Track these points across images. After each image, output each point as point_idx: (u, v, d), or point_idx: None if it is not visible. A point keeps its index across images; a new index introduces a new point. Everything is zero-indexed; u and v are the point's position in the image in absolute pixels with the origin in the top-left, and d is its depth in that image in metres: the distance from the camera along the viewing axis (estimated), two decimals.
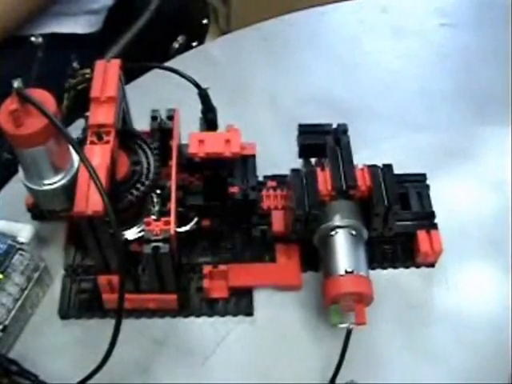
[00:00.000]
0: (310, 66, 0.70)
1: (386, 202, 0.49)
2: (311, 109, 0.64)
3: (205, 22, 0.92)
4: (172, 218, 0.48)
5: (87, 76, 0.81)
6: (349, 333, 0.49)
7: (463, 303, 0.54)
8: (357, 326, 0.49)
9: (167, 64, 0.59)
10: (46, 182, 0.46)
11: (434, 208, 0.56)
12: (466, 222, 0.58)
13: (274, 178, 0.57)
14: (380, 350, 0.52)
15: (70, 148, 0.46)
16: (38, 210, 0.54)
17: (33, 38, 0.77)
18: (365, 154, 0.53)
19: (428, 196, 0.56)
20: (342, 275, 0.49)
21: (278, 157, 0.58)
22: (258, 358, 0.52)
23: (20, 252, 0.52)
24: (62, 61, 0.77)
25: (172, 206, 0.49)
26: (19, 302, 0.51)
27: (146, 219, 0.47)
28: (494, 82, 0.68)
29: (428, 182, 0.57)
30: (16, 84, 0.41)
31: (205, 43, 0.88)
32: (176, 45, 0.87)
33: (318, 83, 0.68)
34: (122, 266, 0.45)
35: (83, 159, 0.41)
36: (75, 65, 0.78)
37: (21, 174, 0.47)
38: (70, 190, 0.46)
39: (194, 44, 0.90)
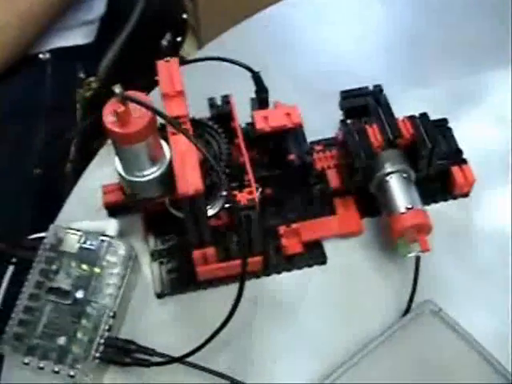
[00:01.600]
0: (315, 42, 0.78)
1: (429, 144, 0.57)
2: (328, 79, 0.71)
3: (184, 16, 0.99)
4: (253, 189, 0.55)
5: (93, 85, 0.87)
6: (418, 259, 0.57)
7: (499, 223, 0.63)
8: (423, 253, 0.58)
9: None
10: (146, 173, 0.52)
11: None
12: (488, 156, 0.66)
13: (318, 142, 0.65)
14: (440, 272, 0.60)
15: (161, 141, 0.53)
16: (117, 206, 0.61)
17: (41, 55, 0.82)
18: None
19: (453, 136, 0.64)
20: (403, 212, 0.57)
21: (312, 125, 0.65)
22: (338, 299, 0.60)
23: (112, 245, 0.58)
24: (70, 72, 0.83)
25: (250, 177, 0.56)
26: (122, 290, 0.57)
27: (233, 192, 0.55)
28: (482, 30, 0.76)
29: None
30: (117, 89, 0.47)
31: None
32: (165, 42, 0.93)
33: (326, 55, 0.76)
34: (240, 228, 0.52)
35: (194, 143, 0.48)
36: (81, 75, 0.84)
37: (119, 170, 0.53)
38: (165, 178, 0.53)
39: (178, 39, 0.96)
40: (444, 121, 0.65)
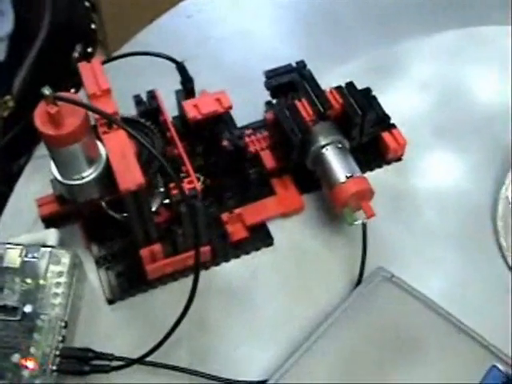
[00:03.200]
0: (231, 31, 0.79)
1: (359, 111, 0.60)
2: (249, 65, 0.73)
3: (93, 26, 0.98)
4: (193, 177, 0.56)
5: (10, 104, 0.86)
6: (365, 226, 0.59)
7: (436, 183, 0.66)
8: (368, 219, 0.60)
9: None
10: (84, 174, 0.52)
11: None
12: (411, 119, 0.70)
13: (247, 127, 0.66)
14: (386, 237, 0.63)
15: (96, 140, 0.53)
16: (54, 217, 0.60)
17: None
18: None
19: (378, 104, 0.66)
20: (344, 182, 0.59)
21: (238, 112, 0.66)
22: (290, 279, 0.61)
23: (54, 255, 0.57)
24: None
25: (188, 167, 0.56)
26: (70, 298, 0.56)
27: (170, 185, 0.55)
28: None
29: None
30: (46, 90, 0.47)
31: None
32: (76, 54, 0.93)
33: (244, 43, 0.77)
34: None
35: (135, 136, 0.49)
36: None
37: (56, 175, 0.52)
38: (104, 178, 0.53)
39: (89, 50, 0.96)
40: (367, 89, 0.67)
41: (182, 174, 0.56)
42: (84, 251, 0.61)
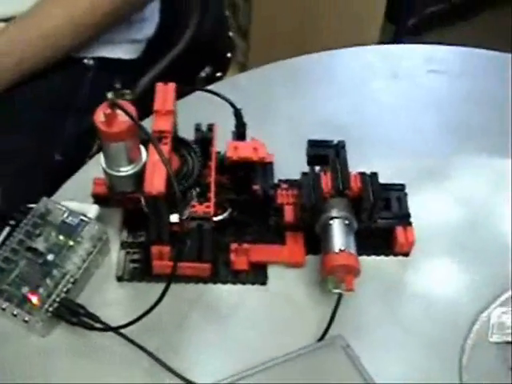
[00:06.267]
0: (323, 98, 0.92)
1: (371, 198, 0.70)
2: (321, 131, 0.81)
3: (229, 55, 1.14)
4: (211, 204, 0.68)
5: (127, 97, 1.03)
6: (340, 296, 0.69)
7: (430, 286, 0.74)
8: (347, 292, 0.69)
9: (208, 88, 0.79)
10: (122, 169, 0.67)
11: (413, 214, 0.76)
12: (436, 227, 0.78)
13: (286, 181, 0.77)
14: (363, 316, 0.72)
15: (141, 147, 0.67)
16: (102, 197, 0.75)
17: (85, 60, 0.98)
18: (360, 169, 0.73)
19: (406, 201, 0.76)
20: (336, 252, 0.69)
21: (290, 166, 0.77)
22: (269, 316, 0.72)
23: (88, 225, 0.72)
24: (107, 82, 0.98)
25: (211, 195, 0.69)
26: (86, 263, 0.71)
27: (192, 203, 0.68)
28: (472, 118, 0.90)
29: (410, 194, 0.77)
30: (110, 95, 0.62)
31: (229, 74, 1.10)
32: (203, 74, 1.08)
33: (328, 112, 0.89)
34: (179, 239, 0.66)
35: (159, 151, 0.62)
36: (117, 85, 0.99)
37: (103, 164, 0.67)
38: (138, 177, 0.67)
39: (218, 74, 1.11)
40: (402, 186, 0.77)
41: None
42: (116, 232, 0.76)
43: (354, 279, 0.69)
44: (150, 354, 0.68)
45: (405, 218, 0.75)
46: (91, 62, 0.98)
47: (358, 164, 0.73)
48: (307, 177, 0.71)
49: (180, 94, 0.80)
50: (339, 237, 0.70)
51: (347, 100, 0.92)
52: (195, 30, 1.06)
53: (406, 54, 1.00)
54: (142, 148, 0.67)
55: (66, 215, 0.72)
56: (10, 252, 0.70)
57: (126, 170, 0.67)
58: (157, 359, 0.67)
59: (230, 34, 1.17)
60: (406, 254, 0.76)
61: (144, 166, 0.66)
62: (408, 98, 0.93)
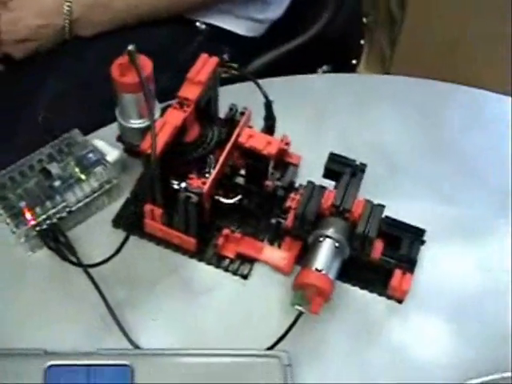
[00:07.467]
0: (379, 122, 0.88)
1: (365, 229, 0.66)
2: (357, 151, 0.78)
3: (362, 42, 1.11)
4: (208, 181, 0.69)
5: (233, 71, 1.05)
6: (299, 314, 0.67)
7: (411, 343, 0.70)
8: (310, 313, 0.66)
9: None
10: (132, 121, 0.69)
11: (425, 265, 0.73)
12: (444, 286, 0.74)
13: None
14: (330, 344, 0.69)
15: (157, 104, 0.69)
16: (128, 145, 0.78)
17: (198, 24, 1.01)
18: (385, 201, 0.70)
19: (418, 247, 0.71)
20: (312, 270, 0.67)
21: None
22: (235, 310, 0.71)
23: (102, 166, 0.75)
24: (215, 50, 1.00)
25: (213, 173, 0.69)
26: (87, 199, 0.74)
27: (190, 175, 0.69)
28: None
29: (432, 242, 0.73)
30: (130, 47, 0.64)
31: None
32: (320, 71, 1.07)
33: (374, 136, 0.86)
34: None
35: (150, 112, 0.64)
36: (225, 56, 1.01)
37: (117, 113, 0.70)
38: (143, 132, 0.68)
39: (354, 62, 1.09)
40: (422, 231, 0.72)
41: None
42: (132, 180, 0.78)
43: (322, 303, 0.67)
44: (106, 301, 0.70)
45: (408, 263, 0.71)
46: (203, 26, 1.00)
47: (384, 194, 0.71)
48: (312, 187, 0.69)
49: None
50: (323, 256, 0.68)
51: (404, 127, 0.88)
52: (324, 26, 1.05)
53: None
54: (158, 106, 0.69)
55: (87, 150, 0.76)
56: (27, 167, 0.75)
57: (135, 123, 0.69)
58: (110, 309, 0.70)
59: (362, 42, 1.15)
60: (400, 301, 0.72)
61: (153, 123, 0.68)
62: None
